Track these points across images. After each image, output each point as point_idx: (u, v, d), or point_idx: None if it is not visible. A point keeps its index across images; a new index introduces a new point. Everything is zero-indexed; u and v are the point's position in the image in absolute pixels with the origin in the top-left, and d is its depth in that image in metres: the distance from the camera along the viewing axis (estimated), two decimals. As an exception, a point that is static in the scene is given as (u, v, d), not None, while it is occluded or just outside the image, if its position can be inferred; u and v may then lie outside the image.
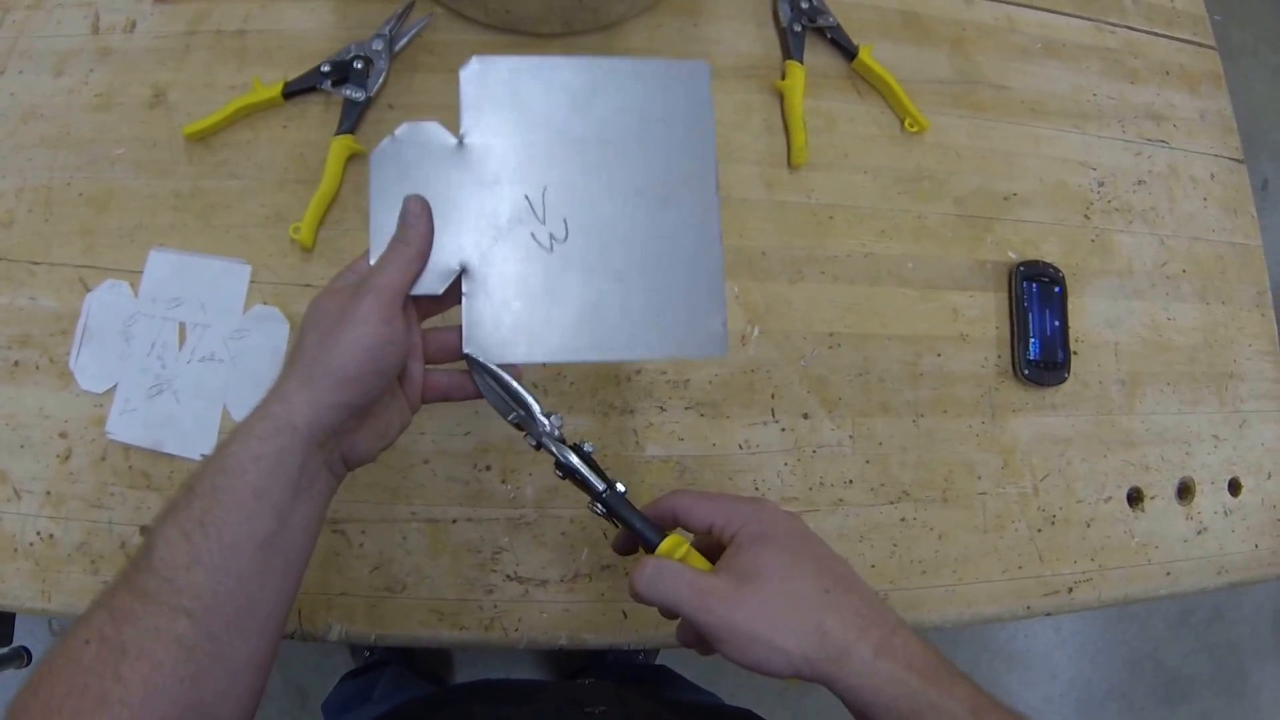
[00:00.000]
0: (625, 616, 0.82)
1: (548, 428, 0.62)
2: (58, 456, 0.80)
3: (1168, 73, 1.12)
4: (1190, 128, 1.10)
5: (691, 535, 0.65)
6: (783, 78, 0.98)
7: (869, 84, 1.01)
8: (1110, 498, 0.96)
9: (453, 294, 0.63)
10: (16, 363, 0.82)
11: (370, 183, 0.63)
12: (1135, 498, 0.97)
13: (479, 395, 0.64)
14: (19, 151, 0.87)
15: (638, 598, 0.60)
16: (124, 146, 0.87)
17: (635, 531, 0.63)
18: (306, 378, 0.56)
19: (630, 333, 0.63)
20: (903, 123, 1.00)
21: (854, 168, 0.98)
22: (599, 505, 0.63)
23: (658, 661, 1.62)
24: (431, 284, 0.62)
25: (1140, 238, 1.04)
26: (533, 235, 0.63)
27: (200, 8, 0.92)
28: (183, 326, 0.84)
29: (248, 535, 0.53)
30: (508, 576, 0.81)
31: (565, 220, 0.63)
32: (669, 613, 0.62)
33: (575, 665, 1.74)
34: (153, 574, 0.52)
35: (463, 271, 0.62)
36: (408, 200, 0.62)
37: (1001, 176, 1.02)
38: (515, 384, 0.62)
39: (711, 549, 0.63)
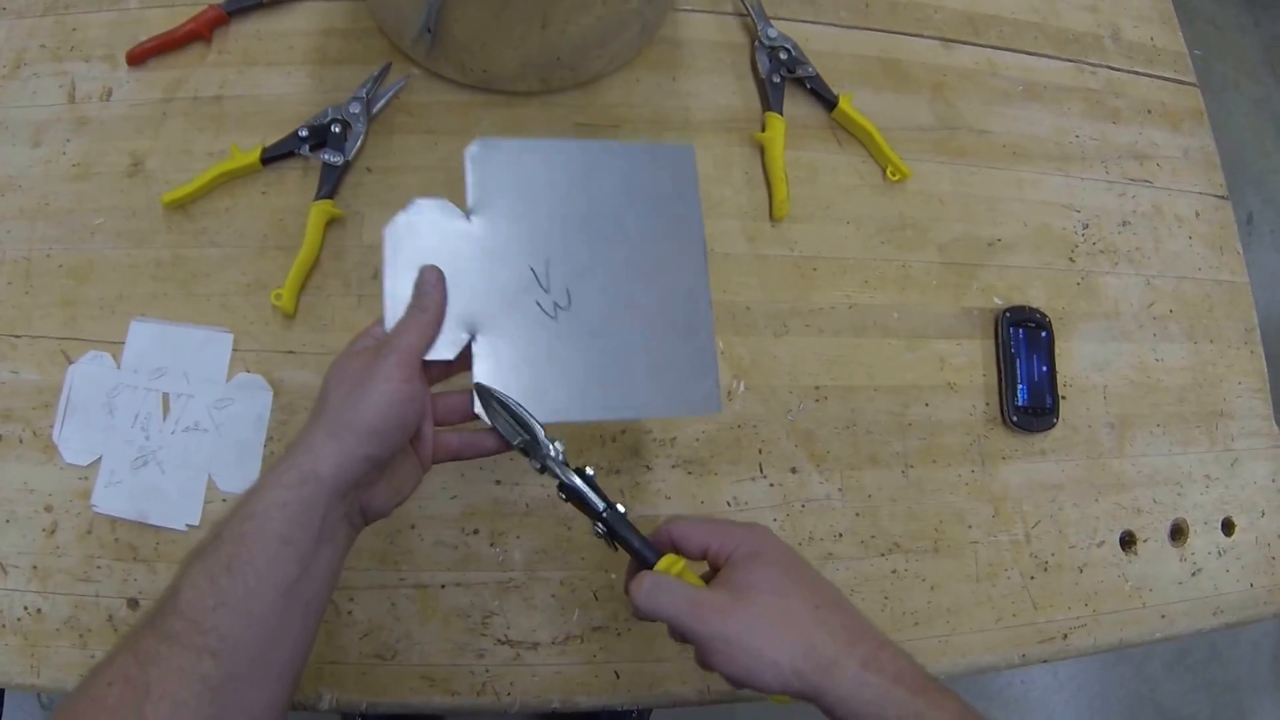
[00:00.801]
0: (618, 677, 0.86)
1: (551, 452, 0.68)
2: (44, 530, 0.84)
3: (1149, 111, 1.17)
4: (1174, 166, 1.15)
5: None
6: (763, 130, 1.03)
7: (850, 133, 1.06)
8: (1103, 542, 1.00)
9: (462, 359, 0.69)
10: (0, 437, 0.85)
11: (384, 255, 0.69)
12: (1128, 541, 1.01)
13: (487, 454, 0.71)
14: (-3, 224, 0.91)
15: (637, 612, 0.65)
16: (103, 216, 0.92)
17: (633, 551, 0.68)
18: (332, 431, 0.61)
19: (629, 393, 0.70)
20: (884, 171, 1.05)
21: (837, 218, 1.02)
22: (600, 525, 0.68)
23: None
24: (444, 349, 0.68)
25: (1126, 279, 1.09)
26: (538, 304, 0.70)
27: (176, 74, 0.96)
28: (166, 397, 0.87)
29: (273, 580, 0.58)
30: (499, 640, 0.85)
31: (568, 290, 0.70)
32: (673, 631, 0.67)
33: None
34: (179, 616, 0.56)
35: (473, 338, 0.69)
36: (424, 270, 0.68)
37: (985, 222, 1.06)
38: (523, 410, 0.68)
39: (707, 575, 0.69)
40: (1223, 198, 1.16)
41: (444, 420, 0.71)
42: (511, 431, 0.68)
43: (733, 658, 0.62)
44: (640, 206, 0.73)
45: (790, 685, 0.61)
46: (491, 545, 0.87)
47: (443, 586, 0.86)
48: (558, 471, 0.68)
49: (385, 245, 0.69)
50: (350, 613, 0.84)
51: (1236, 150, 2.56)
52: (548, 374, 0.69)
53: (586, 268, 0.71)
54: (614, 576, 0.88)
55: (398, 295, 0.68)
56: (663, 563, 0.67)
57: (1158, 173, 1.14)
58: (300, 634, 0.60)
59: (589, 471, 0.69)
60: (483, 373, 0.68)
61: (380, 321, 0.68)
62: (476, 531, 0.87)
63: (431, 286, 0.68)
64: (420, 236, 0.69)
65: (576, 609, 0.87)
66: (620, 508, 0.68)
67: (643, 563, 0.68)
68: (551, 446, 0.68)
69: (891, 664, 0.61)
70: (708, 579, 0.68)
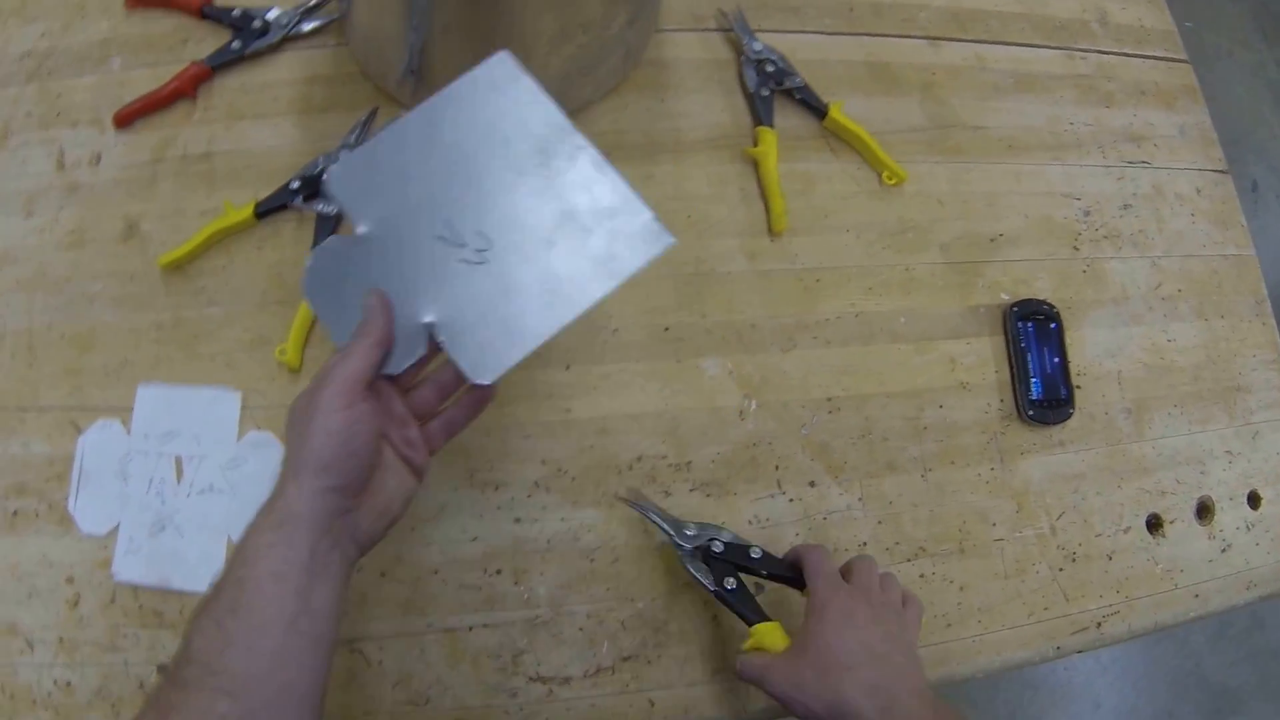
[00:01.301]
0: (652, 705, 0.86)
1: (687, 549, 0.85)
2: (66, 603, 0.84)
3: (1143, 92, 1.18)
4: (1171, 145, 1.16)
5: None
6: (755, 144, 1.03)
7: (843, 141, 1.07)
8: (1129, 528, 1.00)
9: (434, 347, 0.71)
10: (15, 512, 0.86)
11: (311, 306, 0.73)
12: (1155, 524, 1.01)
13: (475, 413, 0.75)
14: (-3, 298, 0.92)
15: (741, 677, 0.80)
16: (101, 283, 0.92)
17: (741, 616, 0.83)
18: (293, 471, 0.63)
19: (588, 278, 0.72)
20: (880, 176, 1.06)
21: (836, 228, 1.03)
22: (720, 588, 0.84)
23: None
24: (401, 359, 0.70)
25: (1132, 262, 1.09)
26: (464, 260, 0.71)
27: (164, 134, 0.97)
28: (179, 460, 0.88)
29: (275, 616, 0.59)
30: (530, 678, 0.85)
31: (481, 232, 0.72)
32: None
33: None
34: (191, 663, 0.58)
35: (433, 325, 0.70)
36: (366, 296, 0.69)
37: (985, 218, 1.07)
38: (660, 521, 0.86)
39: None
40: (1223, 172, 1.16)
41: (425, 413, 0.74)
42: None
43: (788, 704, 0.75)
44: (495, 124, 0.74)
45: None
46: (515, 584, 0.87)
47: (470, 629, 0.86)
48: (691, 570, 0.84)
49: (308, 300, 0.72)
50: (380, 662, 0.84)
51: (1235, 120, 2.56)
52: (509, 311, 0.71)
53: (484, 205, 0.72)
54: (640, 605, 0.88)
55: (338, 330, 0.70)
56: (756, 632, 0.81)
57: (1155, 153, 1.15)
58: (312, 668, 0.62)
59: (755, 554, 0.85)
60: (464, 357, 0.70)
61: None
62: (499, 571, 0.88)
63: (373, 311, 0.68)
64: (330, 275, 0.71)
65: (605, 640, 0.87)
66: (730, 584, 0.83)
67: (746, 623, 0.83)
68: (686, 546, 0.85)
69: (907, 708, 0.71)
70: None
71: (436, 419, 0.74)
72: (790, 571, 0.84)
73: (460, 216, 0.72)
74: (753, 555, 0.85)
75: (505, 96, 0.74)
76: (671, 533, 0.85)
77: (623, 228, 0.72)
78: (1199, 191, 1.14)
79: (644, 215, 0.73)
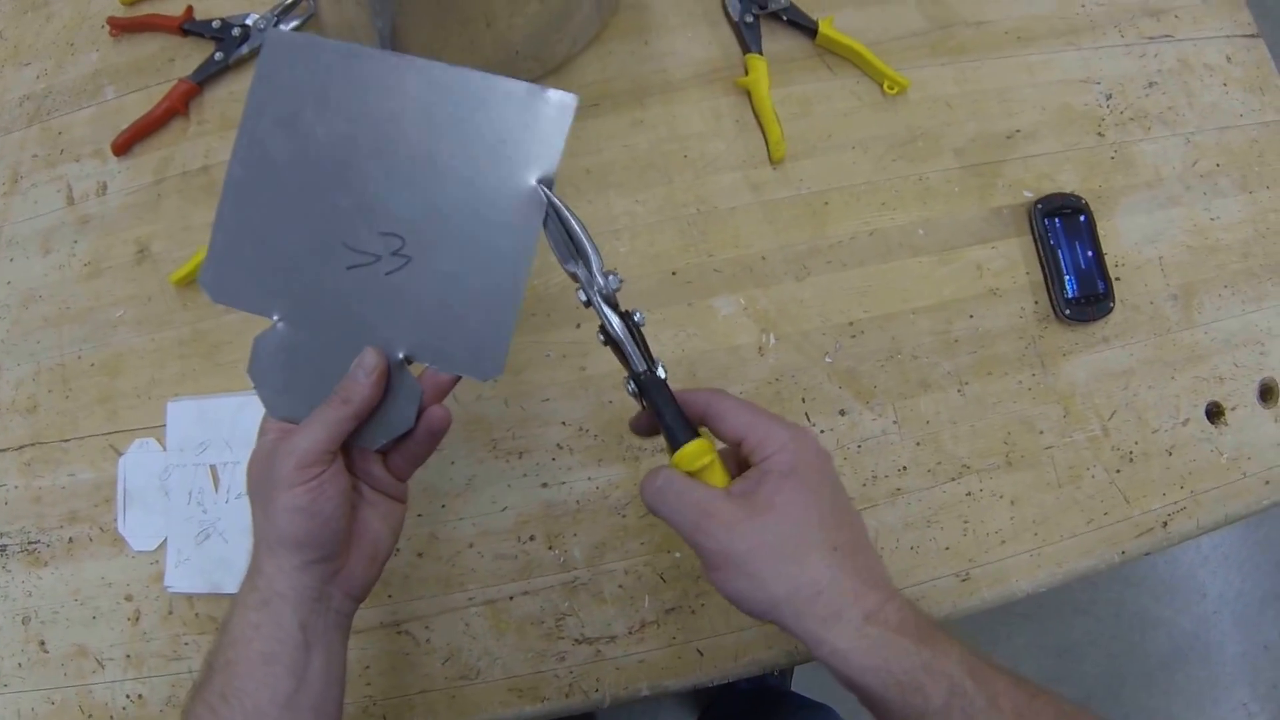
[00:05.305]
0: (701, 655, 0.90)
1: (600, 285, 0.67)
2: (128, 620, 0.92)
3: (1158, -39, 1.16)
4: (1194, 14, 1.14)
5: (720, 444, 0.69)
6: (745, 74, 1.05)
7: (838, 56, 1.08)
8: (1188, 419, 1.01)
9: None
10: (71, 539, 0.94)
11: (262, 399, 0.70)
12: (1215, 412, 1.02)
13: (436, 439, 0.70)
14: (27, 337, 1.00)
15: (647, 506, 0.66)
16: (121, 308, 0.99)
17: (664, 424, 0.67)
18: (267, 548, 0.64)
19: (512, 192, 0.67)
20: (881, 87, 1.07)
21: (840, 146, 1.05)
22: (633, 384, 0.68)
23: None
24: (394, 425, 0.68)
25: (1163, 142, 1.09)
26: (390, 272, 0.68)
27: (162, 154, 1.04)
28: (214, 469, 0.95)
29: (269, 698, 0.61)
30: (575, 640, 0.91)
31: (384, 233, 0.68)
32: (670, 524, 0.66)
33: (710, 695, 1.83)
34: None
35: (408, 360, 0.68)
36: (365, 352, 0.66)
37: (999, 116, 1.07)
38: (581, 233, 0.66)
39: (738, 464, 0.68)
40: (1253, 36, 1.14)
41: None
42: (566, 253, 0.67)
43: (728, 576, 0.62)
44: (312, 115, 0.68)
45: (783, 620, 0.61)
46: (550, 548, 0.92)
47: (511, 598, 0.91)
48: (603, 311, 0.67)
49: (258, 393, 0.70)
50: (428, 640, 0.90)
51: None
52: (468, 288, 0.67)
53: (366, 202, 0.68)
54: (678, 555, 0.92)
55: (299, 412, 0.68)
56: (688, 449, 0.65)
57: (1177, 25, 1.13)
58: None
59: (639, 318, 0.68)
60: (460, 366, 0.68)
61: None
62: (533, 538, 0.93)
63: (365, 374, 0.66)
64: (274, 363, 0.69)
65: (646, 595, 0.92)
66: (661, 372, 0.67)
67: (671, 440, 0.67)
68: (603, 281, 0.67)
69: (896, 615, 0.61)
70: (734, 473, 0.67)
71: (395, 453, 0.70)
72: (679, 426, 0.67)
73: (353, 232, 0.68)
74: (660, 374, 0.68)
75: (303, 76, 0.68)
76: (594, 259, 0.67)
77: (512, 121, 0.67)
78: (1229, 59, 1.13)
79: (511, 87, 0.67)
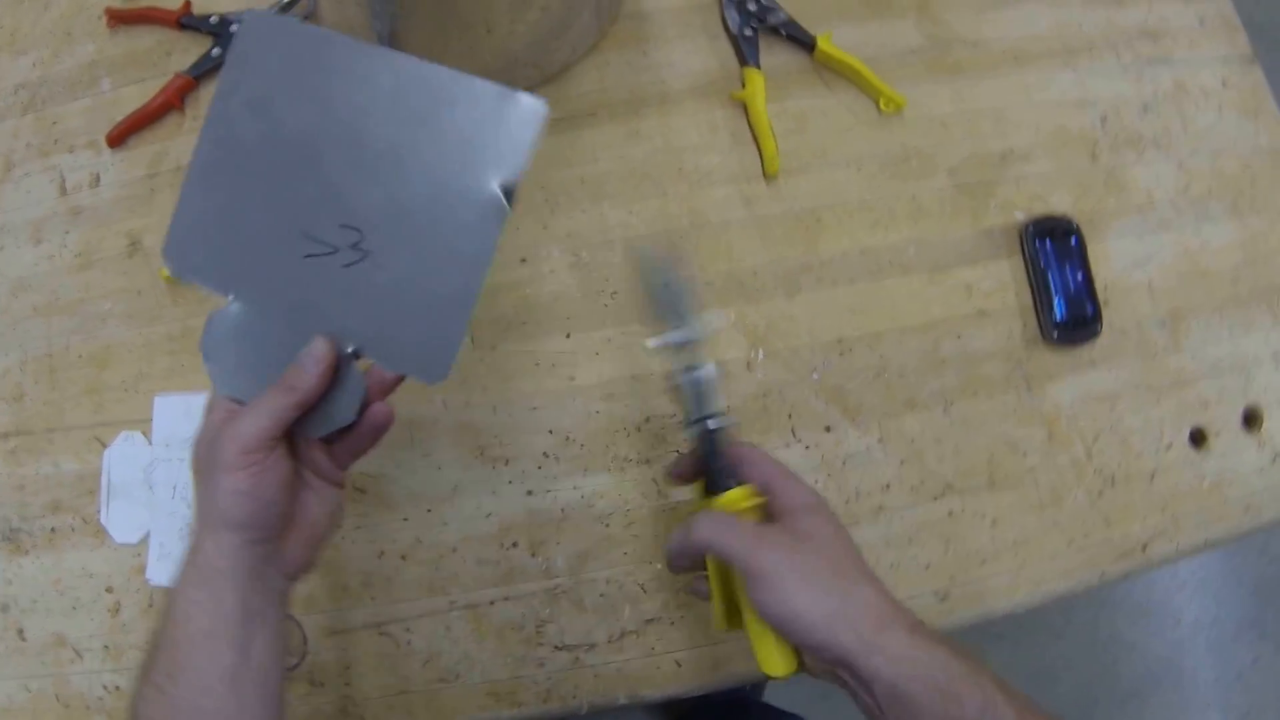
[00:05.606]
0: (679, 666, 0.91)
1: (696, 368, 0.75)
2: (108, 611, 0.92)
3: (1156, -15, 1.17)
4: (1191, 37, 1.15)
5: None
6: (742, 87, 1.06)
7: (835, 72, 1.09)
8: (1171, 444, 1.02)
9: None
10: (53, 529, 0.94)
11: (212, 378, 0.69)
12: (1199, 437, 1.02)
13: (378, 437, 0.71)
14: (15, 326, 1.00)
15: (692, 544, 0.70)
16: (111, 301, 1.00)
17: (713, 468, 0.74)
18: (205, 526, 0.64)
19: (474, 194, 0.66)
20: (877, 104, 1.07)
21: (834, 163, 1.05)
22: (691, 430, 0.75)
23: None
24: (336, 417, 0.68)
25: (1156, 166, 1.10)
26: (346, 265, 0.67)
27: (156, 148, 1.04)
28: (199, 464, 0.95)
29: (215, 674, 0.62)
30: (555, 647, 0.91)
31: (344, 225, 0.67)
32: (719, 556, 0.70)
33: (684, 705, 1.82)
34: None
35: (356, 355, 0.68)
36: (315, 342, 0.67)
37: (994, 136, 1.08)
38: (689, 311, 0.75)
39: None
40: (1250, 60, 1.15)
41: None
42: (666, 312, 0.75)
43: (785, 595, 0.64)
44: (283, 100, 0.68)
45: (834, 632, 0.63)
46: (533, 555, 0.93)
47: (492, 603, 0.92)
48: (686, 376, 0.75)
49: (209, 373, 0.69)
50: (409, 643, 0.91)
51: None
52: (421, 290, 0.67)
53: (328, 192, 0.67)
54: (659, 567, 0.93)
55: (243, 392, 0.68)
56: (736, 493, 0.72)
57: (1174, 48, 1.14)
58: (261, 713, 0.64)
59: (712, 370, 0.75)
60: (406, 366, 0.68)
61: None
62: (516, 545, 0.93)
63: (313, 362, 0.66)
64: (226, 341, 0.69)
65: (627, 605, 0.92)
66: (713, 424, 0.74)
67: (717, 485, 0.73)
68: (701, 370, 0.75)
69: (929, 630, 0.65)
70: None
71: (338, 443, 0.71)
72: (724, 474, 0.74)
73: (314, 221, 0.68)
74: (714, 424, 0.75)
75: (279, 61, 0.68)
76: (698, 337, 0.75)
77: (481, 123, 0.66)
78: (1225, 83, 1.14)
79: (482, 88, 0.66)
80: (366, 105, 0.67)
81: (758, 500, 0.72)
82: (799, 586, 0.64)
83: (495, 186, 0.66)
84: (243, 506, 0.63)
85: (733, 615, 0.75)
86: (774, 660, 0.68)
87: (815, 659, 0.66)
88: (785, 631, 0.66)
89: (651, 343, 0.72)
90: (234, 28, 1.05)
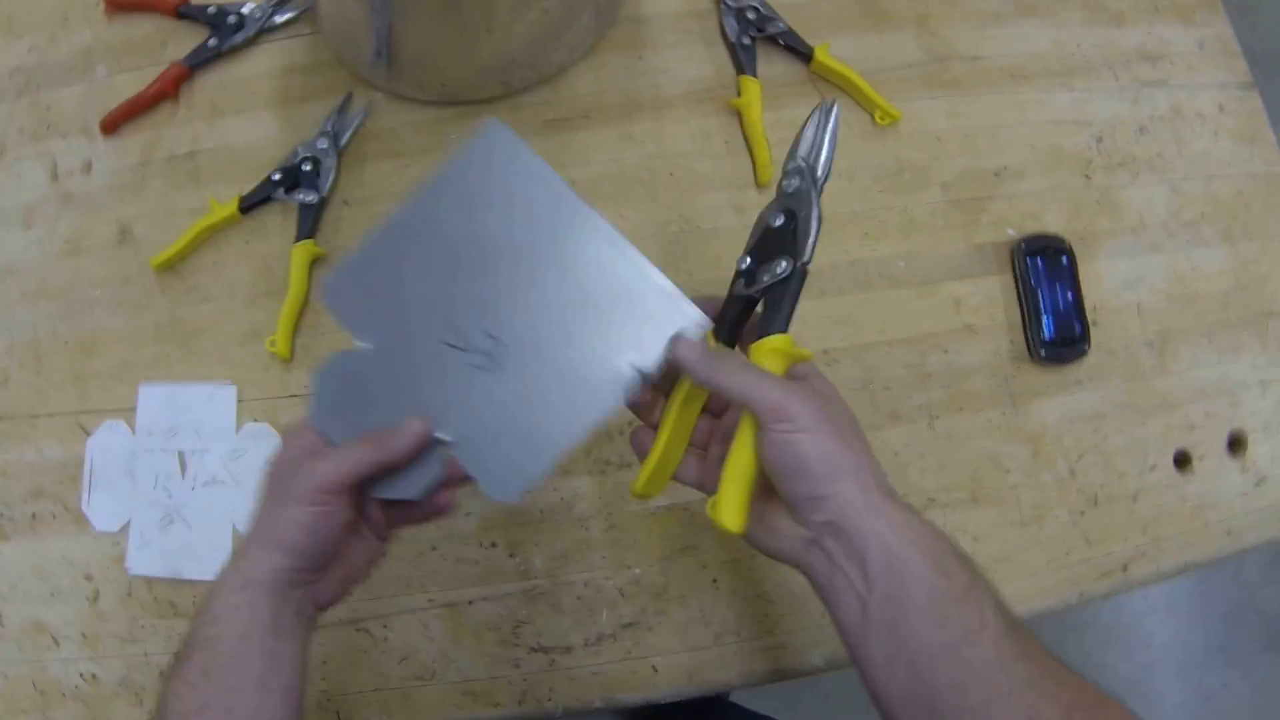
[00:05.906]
0: (656, 671, 0.91)
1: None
2: (87, 599, 0.93)
3: (1157, 8, 1.17)
4: (1189, 61, 1.16)
5: None
6: (738, 95, 1.06)
7: (831, 84, 1.09)
8: (1155, 466, 1.02)
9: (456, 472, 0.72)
10: (34, 515, 0.95)
11: (314, 418, 0.71)
12: (1183, 460, 1.03)
13: (438, 516, 0.75)
14: (3, 311, 1.00)
15: (716, 384, 0.67)
16: (99, 288, 1.00)
17: (765, 316, 0.73)
18: (261, 541, 0.67)
19: (612, 371, 0.71)
20: (873, 117, 1.08)
21: (827, 174, 1.05)
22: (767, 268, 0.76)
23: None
24: (409, 485, 0.71)
25: (1149, 188, 1.10)
26: (474, 366, 0.71)
27: (149, 136, 1.04)
28: (182, 455, 0.96)
29: (245, 676, 0.64)
30: (531, 648, 0.92)
31: (489, 333, 0.71)
32: (743, 400, 0.66)
33: (651, 708, 1.83)
34: None
35: (445, 444, 0.70)
36: (416, 420, 0.69)
37: (988, 152, 1.09)
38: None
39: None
40: (1248, 86, 1.16)
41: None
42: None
43: (807, 443, 0.63)
44: (492, 211, 0.72)
45: (832, 495, 0.62)
46: (511, 556, 0.93)
47: (470, 603, 0.92)
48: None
49: (313, 412, 0.72)
50: (386, 639, 0.91)
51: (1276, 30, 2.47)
52: (528, 419, 0.70)
53: (490, 300, 0.71)
54: (638, 571, 0.94)
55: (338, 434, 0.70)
56: (778, 341, 0.70)
57: (1172, 71, 1.15)
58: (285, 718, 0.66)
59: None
60: (483, 475, 0.70)
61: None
62: (494, 544, 0.94)
63: (409, 434, 0.68)
64: (336, 388, 0.72)
65: (604, 609, 0.93)
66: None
67: (762, 328, 0.72)
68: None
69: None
70: None
71: (397, 508, 0.74)
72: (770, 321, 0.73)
73: (466, 317, 0.71)
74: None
75: (502, 173, 0.72)
76: None
77: (645, 310, 0.71)
78: (1221, 109, 1.14)
79: (660, 281, 0.71)
80: (550, 247, 0.71)
81: (798, 352, 0.71)
82: (823, 436, 0.63)
83: (630, 365, 0.70)
84: (302, 538, 0.66)
85: (656, 481, 0.74)
86: (733, 513, 0.66)
87: (801, 521, 0.65)
88: (792, 479, 0.64)
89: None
90: (235, 23, 1.06)
